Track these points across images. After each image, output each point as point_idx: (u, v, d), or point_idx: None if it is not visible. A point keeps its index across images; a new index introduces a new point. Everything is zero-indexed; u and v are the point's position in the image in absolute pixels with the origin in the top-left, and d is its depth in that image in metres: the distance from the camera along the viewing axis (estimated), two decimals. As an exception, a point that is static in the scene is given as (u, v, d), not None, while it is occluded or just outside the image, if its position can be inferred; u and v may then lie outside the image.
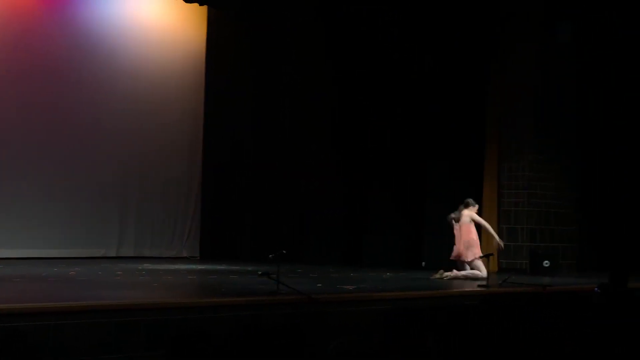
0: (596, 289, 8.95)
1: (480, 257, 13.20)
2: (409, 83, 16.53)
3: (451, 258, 13.40)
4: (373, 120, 16.98)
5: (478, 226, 13.57)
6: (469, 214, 13.37)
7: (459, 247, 13.32)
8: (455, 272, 13.15)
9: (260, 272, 9.34)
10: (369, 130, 17.05)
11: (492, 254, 13.32)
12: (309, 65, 17.34)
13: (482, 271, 12.95)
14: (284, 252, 9.78)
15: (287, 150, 17.54)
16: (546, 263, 14.91)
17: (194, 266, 15.18)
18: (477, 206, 13.58)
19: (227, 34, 18.24)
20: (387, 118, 16.77)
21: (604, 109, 16.73)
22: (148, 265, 14.58)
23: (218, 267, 14.54)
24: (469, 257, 13.21)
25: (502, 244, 13.77)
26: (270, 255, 9.78)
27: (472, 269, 13.19)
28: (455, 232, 13.40)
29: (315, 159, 17.37)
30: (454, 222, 13.42)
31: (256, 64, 17.97)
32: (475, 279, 12.76)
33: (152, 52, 17.64)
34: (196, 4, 17.63)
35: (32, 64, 16.03)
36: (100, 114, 16.84)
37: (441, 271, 13.22)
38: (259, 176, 17.85)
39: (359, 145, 17.19)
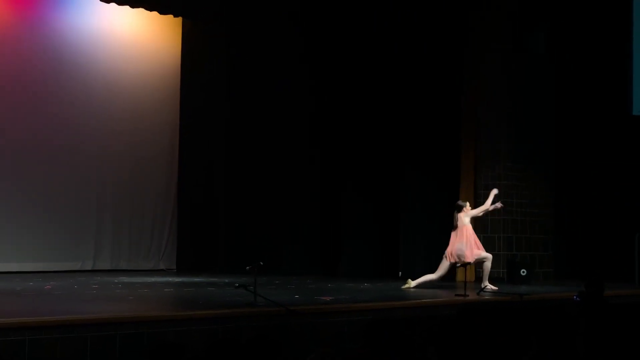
0: (575, 296, 8.97)
1: (458, 266, 13.21)
2: (384, 92, 16.52)
3: (469, 261, 13.23)
4: (349, 129, 16.95)
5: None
6: (465, 214, 13.30)
7: (471, 251, 13.17)
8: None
9: (237, 284, 9.30)
10: (344, 140, 17.02)
11: (469, 263, 13.33)
12: (285, 72, 17.28)
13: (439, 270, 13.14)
14: (261, 263, 9.74)
15: (262, 161, 17.48)
16: (523, 272, 14.94)
17: (170, 279, 15.11)
18: (467, 203, 13.53)
19: (202, 45, 18.17)
20: (362, 127, 16.74)
21: (578, 117, 16.82)
22: (124, 279, 14.50)
23: (195, 279, 14.48)
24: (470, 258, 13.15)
25: (499, 204, 13.66)
26: (247, 267, 9.74)
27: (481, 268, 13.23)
28: (459, 238, 13.23)
29: (290, 168, 17.32)
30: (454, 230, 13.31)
31: (231, 74, 17.92)
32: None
33: (127, 64, 17.55)
34: (171, 16, 17.56)
35: (4, 76, 15.91)
36: (76, 126, 16.72)
37: (409, 280, 13.21)
38: (235, 188, 17.79)
39: (335, 156, 17.16)
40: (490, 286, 12.83)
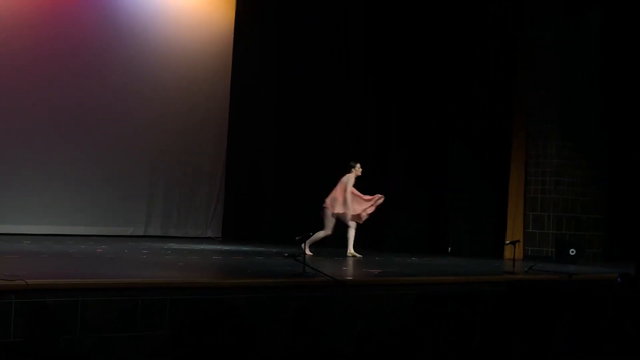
0: (618, 278, 8.92)
1: (507, 244, 13.22)
2: (436, 70, 16.47)
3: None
4: (398, 105, 16.93)
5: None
6: (353, 175, 13.92)
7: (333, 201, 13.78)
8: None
9: (286, 254, 9.37)
10: (393, 115, 17.00)
11: (518, 241, 13.30)
12: (336, 48, 17.32)
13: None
14: (311, 234, 9.81)
15: (311, 132, 17.52)
16: (572, 251, 14.86)
17: (218, 247, 15.23)
18: (358, 165, 14.02)
19: (255, 15, 18.18)
20: (412, 104, 16.70)
21: (631, 96, 16.60)
22: (173, 245, 14.66)
23: (243, 248, 14.58)
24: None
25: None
26: (297, 237, 9.81)
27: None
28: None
29: (340, 142, 17.34)
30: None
31: (284, 47, 17.93)
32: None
33: (181, 33, 17.64)
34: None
35: (62, 48, 16.10)
36: (131, 95, 16.90)
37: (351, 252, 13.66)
38: (283, 158, 17.85)
39: (382, 130, 17.16)
40: (353, 253, 13.47)
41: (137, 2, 17.05)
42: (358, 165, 13.98)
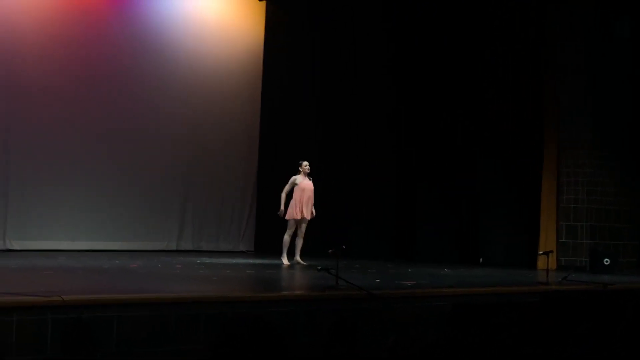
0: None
1: (540, 254, 13.16)
2: (465, 80, 16.47)
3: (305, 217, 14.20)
4: (427, 118, 16.93)
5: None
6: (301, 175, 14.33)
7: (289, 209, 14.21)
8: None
9: (319, 267, 9.37)
10: (423, 127, 17.00)
11: (551, 251, 13.24)
12: (368, 60, 17.37)
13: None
14: (343, 247, 9.81)
15: (340, 147, 17.58)
16: (606, 261, 14.75)
17: (251, 260, 15.27)
18: (303, 162, 14.42)
19: (285, 28, 18.27)
20: (442, 115, 16.71)
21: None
22: (206, 259, 14.71)
23: (275, 261, 14.61)
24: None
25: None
26: (330, 250, 9.81)
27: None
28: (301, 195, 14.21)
29: (368, 155, 17.39)
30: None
31: (312, 58, 18.01)
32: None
33: (211, 47, 17.77)
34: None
35: (92, 60, 16.24)
36: (160, 110, 17.02)
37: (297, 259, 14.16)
38: (313, 172, 17.86)
39: (413, 141, 17.16)
40: (285, 261, 13.98)
41: (166, 19, 17.18)
42: (303, 163, 14.45)
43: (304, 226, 14.29)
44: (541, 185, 15.78)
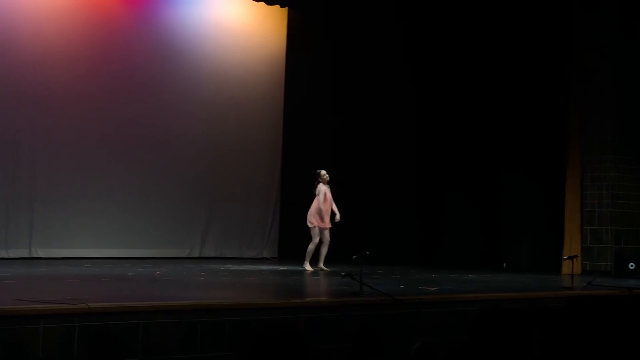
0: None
1: (564, 259, 13.13)
2: (487, 86, 16.46)
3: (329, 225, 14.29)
4: (450, 122, 16.93)
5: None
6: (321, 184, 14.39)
7: (311, 217, 14.31)
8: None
9: (343, 274, 9.38)
10: (446, 132, 16.99)
11: (576, 256, 13.20)
12: (387, 66, 17.38)
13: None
14: (367, 253, 9.82)
15: (363, 153, 17.60)
16: (631, 265, 14.69)
17: (275, 267, 15.29)
18: (321, 172, 14.55)
19: (306, 36, 18.33)
20: (465, 121, 16.70)
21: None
22: (230, 266, 14.74)
23: (299, 267, 14.63)
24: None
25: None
26: (354, 257, 9.83)
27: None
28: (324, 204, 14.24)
29: (391, 161, 17.39)
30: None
31: (334, 66, 18.04)
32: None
33: (234, 54, 17.83)
34: (277, 6, 17.80)
35: (115, 67, 16.32)
36: (182, 116, 17.08)
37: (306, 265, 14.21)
38: (336, 178, 17.89)
39: (435, 145, 17.17)
40: (308, 267, 14.07)
41: (190, 25, 17.25)
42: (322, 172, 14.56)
43: (327, 233, 14.32)
44: (565, 190, 15.74)
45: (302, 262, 14.36)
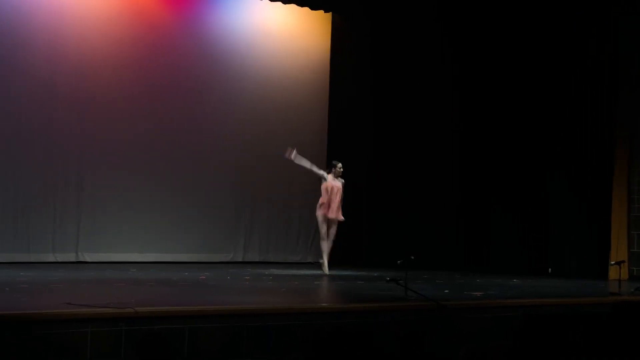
0: None
1: (611, 264, 13.01)
2: (533, 91, 16.35)
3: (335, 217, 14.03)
4: (494, 126, 16.84)
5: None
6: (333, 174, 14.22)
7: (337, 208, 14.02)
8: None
9: (388, 278, 9.37)
10: (492, 138, 16.91)
11: (623, 261, 13.07)
12: (432, 70, 17.35)
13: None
14: (412, 257, 9.80)
15: (406, 157, 17.58)
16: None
17: (319, 272, 15.29)
18: (335, 162, 14.45)
19: (351, 41, 18.34)
20: (511, 126, 16.60)
21: None
22: (275, 271, 14.78)
23: (343, 272, 14.63)
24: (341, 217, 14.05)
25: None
26: (399, 261, 9.81)
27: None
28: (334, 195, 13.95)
29: (434, 166, 17.35)
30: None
31: (377, 70, 18.05)
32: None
33: (279, 59, 17.88)
34: (321, 11, 17.84)
35: (161, 73, 16.45)
36: (227, 121, 17.18)
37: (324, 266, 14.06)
38: (380, 183, 17.93)
39: (479, 148, 17.09)
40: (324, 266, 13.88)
41: (234, 30, 17.34)
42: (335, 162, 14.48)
43: (334, 228, 14.18)
44: (612, 195, 15.58)
45: (346, 267, 14.35)
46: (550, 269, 15.77)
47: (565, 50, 16.01)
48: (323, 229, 14.17)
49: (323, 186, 14.11)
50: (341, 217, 14.22)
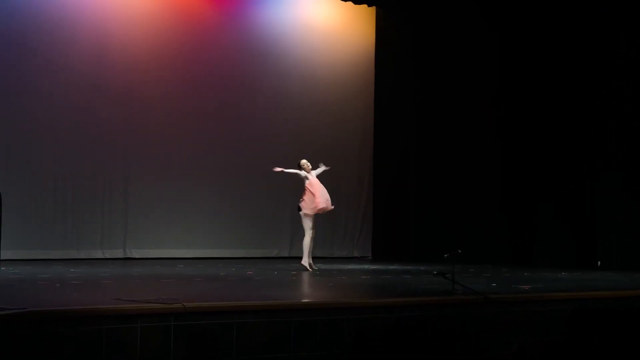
0: None
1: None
2: (578, 87, 16.17)
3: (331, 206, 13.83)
4: (539, 121, 16.67)
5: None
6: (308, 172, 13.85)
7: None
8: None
9: (435, 272, 9.35)
10: (533, 130, 16.73)
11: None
12: (477, 64, 17.24)
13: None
14: (459, 251, 9.76)
15: (452, 151, 17.51)
16: None
17: (366, 266, 15.31)
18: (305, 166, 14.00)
19: (394, 35, 18.31)
20: (554, 119, 16.44)
21: None
22: (321, 265, 14.79)
23: (390, 267, 14.61)
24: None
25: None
26: (446, 255, 9.78)
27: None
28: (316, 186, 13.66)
29: (478, 160, 17.25)
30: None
31: (423, 64, 17.99)
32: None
33: (323, 54, 17.92)
34: (365, 5, 17.82)
35: (205, 70, 16.58)
36: (272, 116, 17.24)
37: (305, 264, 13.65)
38: (425, 177, 17.88)
39: (522, 144, 16.91)
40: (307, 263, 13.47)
41: (278, 27, 17.43)
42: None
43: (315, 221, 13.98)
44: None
45: (393, 262, 14.31)
46: (599, 263, 15.62)
47: (620, 51, 15.72)
48: (313, 227, 13.96)
49: (307, 184, 13.84)
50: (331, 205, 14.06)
